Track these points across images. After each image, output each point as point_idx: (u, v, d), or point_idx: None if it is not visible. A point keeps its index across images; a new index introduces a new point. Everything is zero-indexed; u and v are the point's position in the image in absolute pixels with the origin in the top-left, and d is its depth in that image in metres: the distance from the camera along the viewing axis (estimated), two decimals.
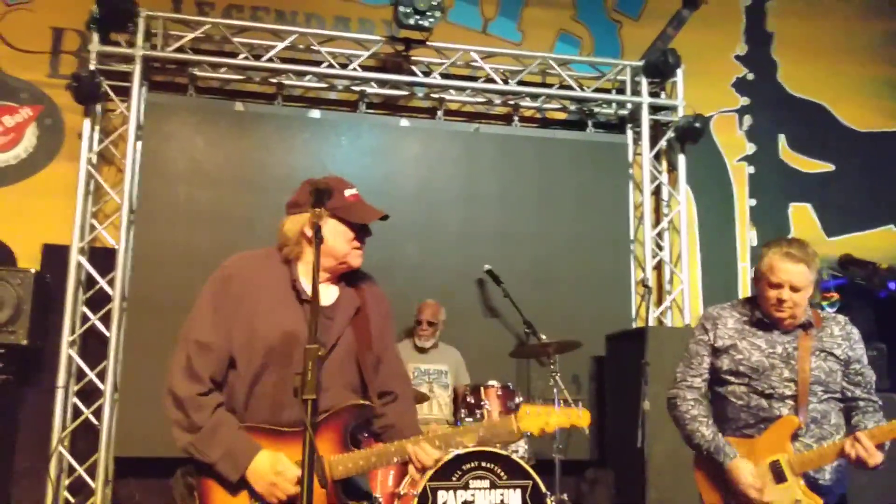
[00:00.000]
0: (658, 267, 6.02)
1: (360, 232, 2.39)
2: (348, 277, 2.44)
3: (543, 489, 4.19)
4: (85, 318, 5.07)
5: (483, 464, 4.20)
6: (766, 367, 2.87)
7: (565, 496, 4.79)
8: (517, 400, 4.72)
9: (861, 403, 2.92)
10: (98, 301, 5.10)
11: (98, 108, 5.29)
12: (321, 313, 2.24)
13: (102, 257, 5.18)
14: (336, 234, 2.33)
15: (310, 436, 1.92)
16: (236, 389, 2.29)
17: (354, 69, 5.55)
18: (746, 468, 2.81)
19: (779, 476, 2.81)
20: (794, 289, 2.80)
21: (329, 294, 2.38)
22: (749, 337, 2.93)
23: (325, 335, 2.27)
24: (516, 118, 5.96)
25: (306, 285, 2.33)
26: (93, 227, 5.21)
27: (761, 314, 2.92)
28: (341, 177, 2.46)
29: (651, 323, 5.56)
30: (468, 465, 4.19)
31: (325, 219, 2.26)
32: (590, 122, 6.03)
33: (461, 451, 3.99)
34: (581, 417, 2.41)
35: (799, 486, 2.81)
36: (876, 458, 2.70)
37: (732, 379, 2.92)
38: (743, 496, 2.81)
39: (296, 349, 2.22)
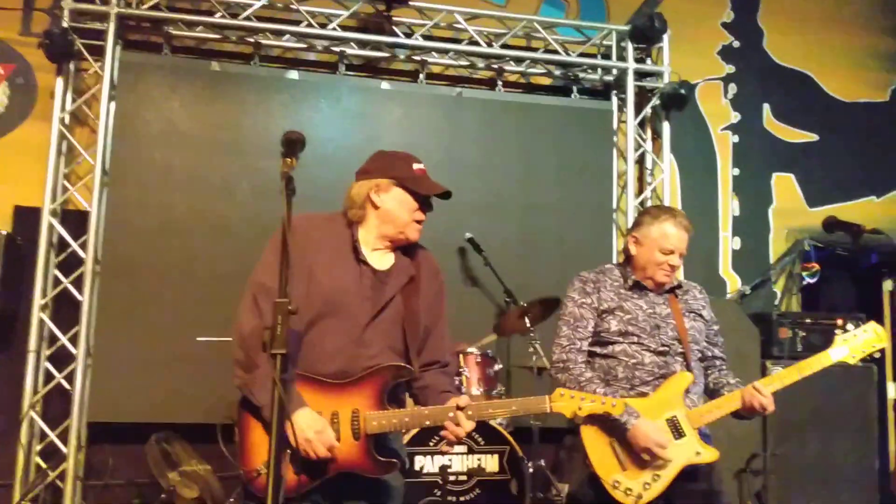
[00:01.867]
0: None
1: (423, 205, 2.53)
2: (407, 250, 2.59)
3: (521, 454, 4.18)
4: (57, 282, 4.98)
5: None
6: (653, 325, 2.95)
7: (542, 462, 4.79)
8: (496, 367, 4.68)
9: (718, 362, 3.09)
10: (70, 264, 4.99)
11: (71, 67, 5.14)
12: (375, 276, 2.47)
13: (75, 220, 5.06)
14: (400, 203, 2.49)
15: (279, 391, 1.91)
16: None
17: (334, 29, 5.43)
18: (652, 427, 2.81)
19: (677, 431, 2.86)
20: (681, 255, 2.99)
21: (385, 260, 2.54)
22: (628, 300, 3.01)
23: (376, 297, 2.45)
24: (500, 83, 5.87)
25: (364, 249, 2.50)
26: (65, 189, 5.09)
27: (637, 278, 3.02)
28: (408, 152, 2.61)
29: None
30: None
31: (391, 187, 2.48)
32: (574, 88, 5.96)
33: None
34: (615, 407, 2.50)
35: (697, 439, 2.87)
36: (772, 405, 2.85)
37: (621, 339, 2.96)
38: (649, 454, 2.79)
39: (349, 304, 2.40)
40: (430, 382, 2.54)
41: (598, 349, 3.00)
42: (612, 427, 2.84)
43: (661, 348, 2.92)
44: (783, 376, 2.90)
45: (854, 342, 2.98)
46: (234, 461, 2.46)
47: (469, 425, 2.39)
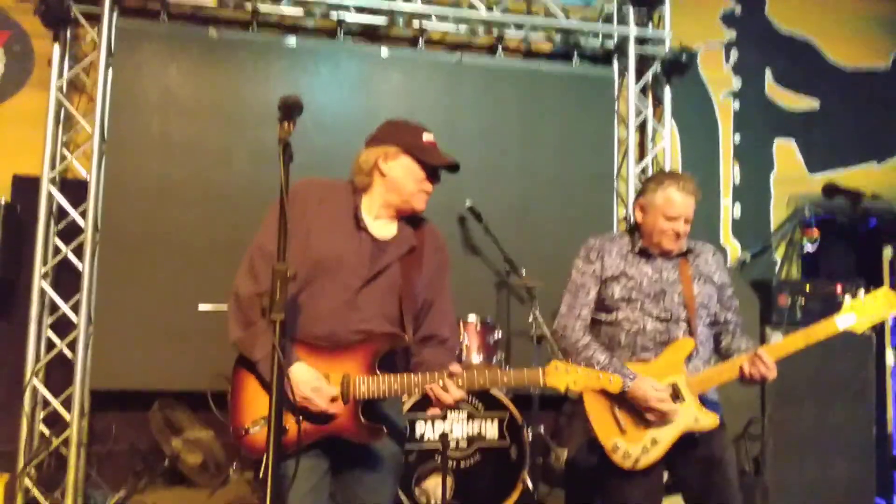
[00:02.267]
0: None
1: (431, 175, 2.52)
2: (411, 220, 2.58)
3: (520, 421, 4.21)
4: (57, 250, 4.98)
5: None
6: (658, 291, 2.93)
7: (542, 428, 4.83)
8: (496, 335, 4.70)
9: (731, 327, 3.06)
10: (70, 233, 4.99)
11: (68, 33, 5.10)
12: (374, 244, 2.46)
13: (74, 188, 5.04)
14: (407, 172, 2.48)
15: (278, 356, 1.91)
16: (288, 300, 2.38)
17: None
18: (649, 382, 2.83)
19: (677, 397, 2.86)
20: (686, 221, 2.93)
21: (387, 230, 2.53)
22: (635, 266, 2.98)
23: (372, 263, 2.45)
24: (500, 49, 5.82)
25: (366, 216, 2.50)
26: (63, 158, 5.07)
27: (644, 244, 3.00)
28: (418, 123, 2.60)
29: None
30: None
31: (399, 155, 2.48)
32: (575, 54, 5.90)
33: None
34: (612, 383, 2.45)
35: (696, 405, 2.87)
36: (774, 372, 2.82)
37: (624, 306, 2.96)
38: (652, 411, 2.81)
39: (344, 270, 2.40)
40: (424, 359, 2.54)
41: (602, 316, 3.01)
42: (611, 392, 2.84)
43: (664, 315, 2.91)
44: (787, 344, 2.84)
45: (863, 309, 2.87)
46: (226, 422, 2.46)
47: (457, 393, 2.38)
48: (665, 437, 2.83)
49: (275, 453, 1.93)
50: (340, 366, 2.37)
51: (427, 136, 2.54)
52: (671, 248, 2.97)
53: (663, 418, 2.82)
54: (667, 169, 5.83)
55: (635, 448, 2.84)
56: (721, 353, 3.08)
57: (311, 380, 2.31)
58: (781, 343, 2.84)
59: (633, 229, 3.11)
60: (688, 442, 2.88)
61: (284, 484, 2.21)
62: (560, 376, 2.41)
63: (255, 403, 2.36)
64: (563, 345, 3.03)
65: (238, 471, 4.59)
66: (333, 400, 2.32)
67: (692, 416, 2.85)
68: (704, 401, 2.92)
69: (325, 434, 2.35)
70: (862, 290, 2.89)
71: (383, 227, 2.53)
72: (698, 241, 3.16)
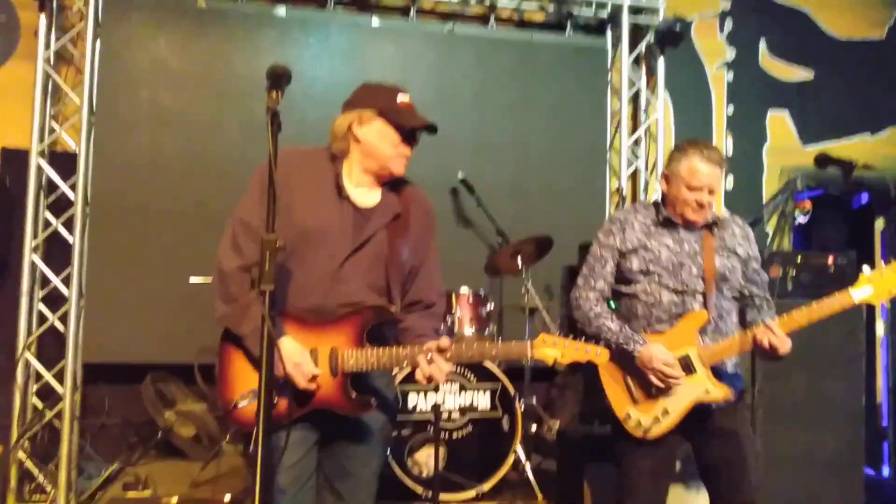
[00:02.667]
0: (633, 176, 5.97)
1: (407, 138, 2.43)
2: (395, 185, 2.50)
3: (512, 392, 4.23)
4: (48, 224, 4.95)
5: (453, 367, 4.21)
6: (676, 264, 2.92)
7: (534, 400, 4.85)
8: (489, 307, 4.71)
9: (756, 301, 3.02)
10: (61, 206, 4.96)
11: (54, 3, 5.02)
12: (358, 213, 2.40)
13: (64, 161, 4.99)
14: (381, 136, 2.40)
15: (268, 327, 1.90)
16: None
17: None
18: (657, 347, 2.84)
19: (688, 368, 2.86)
20: (710, 191, 2.88)
21: (371, 197, 2.46)
22: (657, 237, 2.97)
23: (356, 233, 2.39)
24: (493, 19, 5.76)
25: (348, 184, 2.43)
26: (52, 130, 5.02)
27: (668, 214, 2.97)
28: (395, 84, 2.50)
29: None
30: None
31: (373, 119, 2.39)
32: (569, 24, 5.85)
33: None
34: (600, 355, 2.44)
35: (708, 377, 2.86)
36: (787, 344, 2.78)
37: (642, 278, 2.95)
38: (656, 375, 2.82)
39: (327, 241, 2.35)
40: (410, 325, 2.50)
41: (622, 287, 3.02)
42: (627, 361, 2.87)
43: (680, 287, 2.89)
44: (798, 317, 2.78)
45: (881, 282, 2.77)
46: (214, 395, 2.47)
47: (445, 366, 2.36)
48: (676, 407, 2.84)
49: (265, 425, 1.92)
50: (328, 339, 2.35)
51: (402, 98, 2.44)
52: (695, 219, 2.92)
53: (667, 385, 2.83)
54: (660, 140, 5.82)
55: (647, 418, 2.87)
56: (746, 327, 3.00)
57: (293, 355, 2.28)
58: (794, 315, 2.79)
59: (662, 199, 3.06)
60: (705, 414, 2.88)
61: (275, 456, 2.20)
62: (547, 349, 2.40)
63: (242, 377, 2.34)
64: (576, 315, 3.04)
65: (231, 443, 4.60)
66: (313, 378, 2.29)
67: (703, 388, 2.84)
68: (722, 373, 2.91)
69: (314, 407, 2.34)
70: (882, 262, 2.82)
71: (366, 195, 2.46)
72: (729, 213, 3.14)
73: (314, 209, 2.37)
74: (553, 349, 2.40)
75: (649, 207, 3.06)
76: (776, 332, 2.77)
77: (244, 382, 2.33)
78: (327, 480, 2.47)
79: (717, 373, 2.90)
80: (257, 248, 2.23)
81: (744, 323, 3.03)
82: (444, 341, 2.36)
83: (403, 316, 2.49)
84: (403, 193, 2.51)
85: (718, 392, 2.84)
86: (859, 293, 2.78)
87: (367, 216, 2.42)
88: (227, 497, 4.22)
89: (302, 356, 2.29)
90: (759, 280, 3.03)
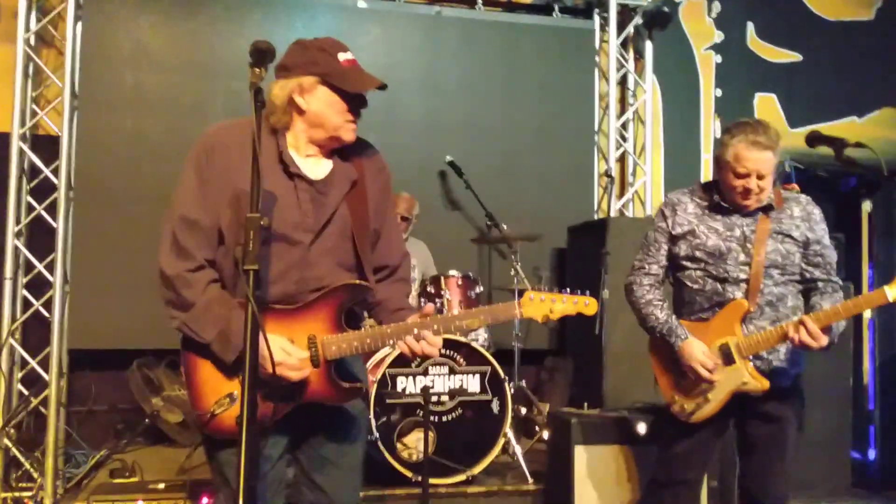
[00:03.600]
0: (622, 158, 5.95)
1: (355, 103, 2.21)
2: (344, 149, 2.28)
3: (502, 375, 4.21)
4: (30, 209, 4.88)
5: (442, 350, 4.19)
6: (723, 250, 2.88)
7: (524, 383, 4.85)
8: (478, 289, 4.69)
9: (820, 284, 2.93)
10: (43, 191, 4.89)
11: None
12: (313, 187, 2.18)
13: (46, 145, 4.93)
14: (327, 105, 2.18)
15: (252, 308, 1.83)
16: (224, 266, 2.17)
17: None
18: (698, 346, 2.88)
19: (728, 358, 2.87)
20: (759, 177, 2.79)
21: (321, 168, 2.24)
22: (708, 221, 2.92)
23: (318, 212, 2.18)
24: (480, 1, 5.71)
25: (295, 157, 2.20)
26: (34, 114, 4.95)
27: (721, 199, 2.90)
28: (335, 38, 2.25)
29: (613, 214, 5.54)
30: None
31: (315, 86, 2.16)
32: (556, 7, 5.81)
33: None
34: (588, 306, 2.34)
35: (747, 368, 2.86)
36: (821, 340, 2.71)
37: (689, 264, 2.94)
38: (693, 373, 2.88)
39: (285, 225, 2.13)
40: (382, 297, 2.33)
41: (675, 273, 3.04)
42: (673, 349, 2.92)
43: (722, 275, 2.87)
44: (833, 313, 2.72)
45: None
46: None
47: (436, 341, 2.19)
48: (717, 395, 2.89)
49: (250, 424, 1.80)
50: (303, 327, 2.16)
51: (344, 56, 2.19)
52: (745, 205, 2.85)
53: (702, 382, 2.88)
54: (648, 123, 5.80)
55: (690, 403, 2.94)
56: (808, 311, 2.90)
57: (274, 346, 2.03)
58: (830, 310, 2.73)
59: (714, 182, 2.99)
60: (751, 397, 2.89)
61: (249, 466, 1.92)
62: (536, 306, 2.27)
63: (212, 384, 2.14)
64: (629, 298, 3.07)
65: None
66: (302, 367, 2.12)
67: (741, 379, 2.85)
68: (770, 362, 2.88)
69: (300, 402, 2.16)
70: (869, 244, 2.80)
71: (317, 166, 2.23)
72: (797, 193, 3.05)
73: (265, 192, 2.03)
74: (541, 305, 2.28)
75: (705, 189, 2.99)
76: (810, 327, 2.70)
77: (216, 388, 2.14)
78: (306, 475, 2.31)
79: (768, 363, 2.88)
80: (206, 245, 2.13)
81: (807, 307, 2.93)
82: (428, 307, 2.21)
83: (374, 286, 2.30)
84: (356, 155, 2.30)
85: (755, 383, 2.85)
86: (893, 292, 2.73)
87: (324, 190, 2.21)
88: None
89: (284, 344, 2.11)
90: (822, 262, 2.92)
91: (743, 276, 2.85)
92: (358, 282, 2.22)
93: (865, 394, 5.49)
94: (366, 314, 2.44)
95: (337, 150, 2.27)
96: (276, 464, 2.23)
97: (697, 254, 2.91)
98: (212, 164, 2.15)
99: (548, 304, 2.28)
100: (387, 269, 2.39)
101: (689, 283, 2.96)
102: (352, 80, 2.18)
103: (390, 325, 2.21)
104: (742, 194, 2.82)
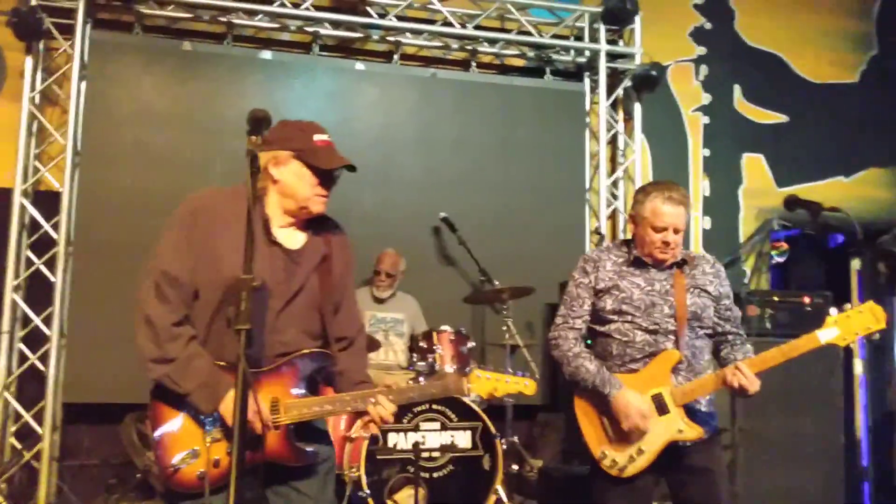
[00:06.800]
0: (612, 216, 6.05)
1: (325, 178, 2.36)
2: (317, 225, 2.43)
3: (493, 431, 4.23)
4: (30, 263, 4.96)
5: (434, 406, 4.22)
6: (648, 304, 2.95)
7: (516, 438, 4.85)
8: (469, 345, 4.73)
9: (730, 337, 3.06)
10: (43, 245, 4.98)
11: (41, 45, 5.11)
12: (287, 257, 2.33)
13: (47, 200, 5.04)
14: (298, 177, 2.33)
15: (243, 366, 1.89)
16: (196, 325, 2.28)
17: (307, 9, 5.40)
18: (634, 396, 2.87)
19: (661, 408, 2.89)
20: (676, 231, 2.92)
21: (297, 239, 2.39)
22: (628, 277, 3.00)
23: (290, 280, 2.32)
24: (474, 64, 5.88)
25: (274, 226, 2.35)
26: (36, 170, 5.06)
27: (638, 254, 3.01)
28: (316, 122, 2.44)
29: None
30: (419, 408, 4.22)
31: (289, 160, 2.31)
32: (548, 70, 5.98)
33: None
34: (528, 387, 2.56)
35: (681, 416, 2.89)
36: (756, 385, 2.82)
37: (616, 318, 2.98)
38: (629, 423, 2.85)
39: (261, 292, 2.20)
40: (343, 367, 2.44)
41: (597, 327, 3.05)
42: (602, 401, 2.90)
43: (653, 327, 2.93)
44: (768, 358, 2.81)
45: (847, 324, 2.81)
46: None
47: (392, 408, 2.34)
48: (650, 447, 2.87)
49: (238, 471, 1.87)
50: (267, 390, 2.26)
51: (319, 137, 2.36)
52: (662, 258, 2.97)
53: (638, 432, 2.87)
54: (638, 182, 5.91)
55: (621, 457, 2.89)
56: (721, 364, 3.05)
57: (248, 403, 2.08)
58: (762, 356, 2.82)
59: (632, 239, 3.11)
60: (679, 451, 2.91)
61: None
62: (483, 383, 2.47)
63: (179, 437, 2.23)
64: (554, 354, 3.07)
65: None
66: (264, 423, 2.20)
67: (676, 428, 2.87)
68: (696, 411, 2.94)
69: (258, 461, 2.24)
70: (849, 305, 2.87)
71: (293, 237, 2.38)
72: (698, 252, 3.18)
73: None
74: (487, 383, 2.48)
75: (621, 247, 3.11)
76: (745, 372, 2.80)
77: (182, 442, 2.22)
78: None
79: (691, 411, 2.93)
80: (183, 301, 2.27)
81: (718, 360, 3.07)
82: (387, 382, 2.40)
83: (335, 356, 2.44)
84: (326, 232, 2.45)
85: (691, 432, 2.87)
86: (826, 334, 2.83)
87: (297, 260, 2.35)
88: None
89: (261, 405, 2.17)
90: (731, 317, 3.07)
91: (671, 326, 2.93)
92: (321, 350, 2.37)
93: (858, 450, 5.49)
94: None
95: (310, 224, 2.41)
96: None
97: (624, 307, 2.96)
98: (195, 225, 2.29)
99: (493, 383, 2.49)
100: (346, 339, 2.49)
101: (617, 336, 2.97)
102: (322, 157, 2.34)
103: (349, 393, 2.37)
104: (660, 248, 2.93)
